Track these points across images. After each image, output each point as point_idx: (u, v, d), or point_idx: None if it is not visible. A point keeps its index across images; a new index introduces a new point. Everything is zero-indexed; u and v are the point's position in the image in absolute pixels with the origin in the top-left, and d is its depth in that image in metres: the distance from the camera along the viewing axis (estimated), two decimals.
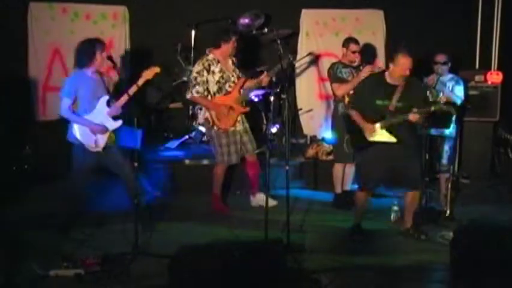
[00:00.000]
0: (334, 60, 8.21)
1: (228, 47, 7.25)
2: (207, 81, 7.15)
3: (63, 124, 8.82)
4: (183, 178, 8.31)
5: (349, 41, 7.71)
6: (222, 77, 7.18)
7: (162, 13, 9.53)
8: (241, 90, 7.35)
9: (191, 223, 7.00)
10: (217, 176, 7.46)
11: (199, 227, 6.81)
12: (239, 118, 7.33)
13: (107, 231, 6.59)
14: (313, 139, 9.50)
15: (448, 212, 7.21)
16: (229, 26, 9.36)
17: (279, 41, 8.84)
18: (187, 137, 9.21)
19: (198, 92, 7.16)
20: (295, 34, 9.95)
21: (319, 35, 10.08)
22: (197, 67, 7.21)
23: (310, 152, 8.95)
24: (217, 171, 7.46)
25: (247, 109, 7.42)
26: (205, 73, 7.11)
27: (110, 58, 6.26)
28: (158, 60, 9.24)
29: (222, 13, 9.43)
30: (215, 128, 7.27)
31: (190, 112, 9.31)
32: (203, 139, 9.12)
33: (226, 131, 7.26)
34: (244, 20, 9.54)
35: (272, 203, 6.64)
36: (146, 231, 6.38)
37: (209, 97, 7.21)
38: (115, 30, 9.41)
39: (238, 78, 7.36)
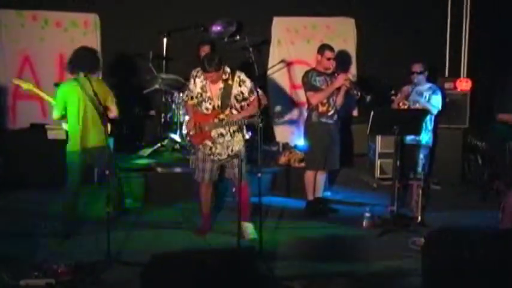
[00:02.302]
0: (306, 67, 8.20)
1: (210, 76, 6.42)
2: (192, 90, 6.65)
3: (34, 133, 8.83)
4: (155, 186, 8.26)
5: (324, 47, 7.63)
6: (200, 94, 6.57)
7: (133, 21, 9.46)
8: (215, 120, 6.58)
9: (164, 231, 6.94)
10: (201, 195, 6.91)
11: (172, 235, 6.77)
12: (207, 143, 6.64)
13: (78, 240, 6.53)
14: (286, 146, 9.51)
15: (419, 218, 7.25)
16: (201, 33, 9.39)
17: (250, 49, 8.89)
18: (159, 145, 9.15)
19: (186, 96, 6.77)
20: (267, 42, 9.99)
21: (290, 42, 10.12)
22: (191, 73, 6.73)
23: (283, 159, 8.94)
24: (199, 190, 6.91)
25: (212, 139, 6.60)
26: (192, 80, 6.60)
27: None
28: (130, 68, 9.29)
29: (194, 21, 9.42)
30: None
31: (163, 120, 9.29)
32: (175, 147, 9.12)
33: (198, 148, 6.78)
34: (216, 28, 9.53)
35: (251, 236, 6.56)
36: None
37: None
38: (86, 37, 9.30)
39: (219, 108, 6.56)
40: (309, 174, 7.74)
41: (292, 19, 10.15)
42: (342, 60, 9.72)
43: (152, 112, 9.68)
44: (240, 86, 6.53)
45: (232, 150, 6.63)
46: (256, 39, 9.33)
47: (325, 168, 7.74)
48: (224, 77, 6.48)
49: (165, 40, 9.38)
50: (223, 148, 6.64)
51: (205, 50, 9.25)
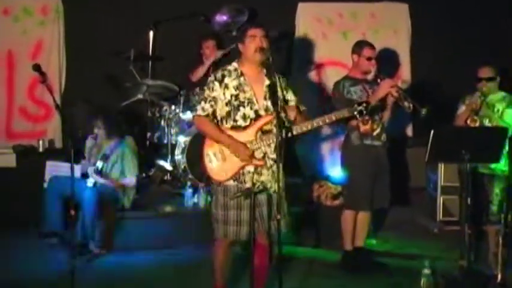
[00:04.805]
0: (342, 71, 8.16)
1: (247, 50, 6.09)
2: (217, 99, 6.08)
3: None
4: (137, 230, 8.18)
5: (361, 44, 7.55)
6: (236, 96, 6.02)
7: (109, 7, 9.48)
8: (259, 134, 6.03)
9: None
10: (217, 260, 6.30)
11: None
12: (248, 170, 6.05)
13: None
14: (315, 178, 9.41)
15: (499, 276, 7.12)
16: (202, 24, 9.38)
17: None
18: (143, 175, 9.09)
19: (204, 110, 6.07)
20: (289, 35, 9.98)
21: (321, 36, 10.11)
22: (209, 79, 6.23)
23: (311, 195, 8.87)
24: (215, 250, 6.30)
25: (262, 163, 6.00)
26: (216, 86, 6.06)
27: (37, 68, 6.15)
28: (103, 71, 9.24)
29: (191, 8, 9.42)
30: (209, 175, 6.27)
31: (148, 142, 9.28)
32: (165, 178, 9.09)
33: (225, 185, 6.10)
34: (222, 17, 9.49)
35: None
36: None
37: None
38: (44, 29, 9.37)
39: (267, 112, 6.06)
40: (347, 216, 7.63)
41: (324, 5, 10.18)
42: (391, 60, 9.65)
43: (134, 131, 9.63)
44: (285, 90, 6.24)
45: (278, 185, 5.83)
46: (274, 32, 9.27)
47: (369, 207, 7.64)
48: (266, 71, 6.09)
49: (151, 34, 9.39)
50: (270, 177, 6.12)
51: (209, 46, 9.25)
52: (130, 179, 8.28)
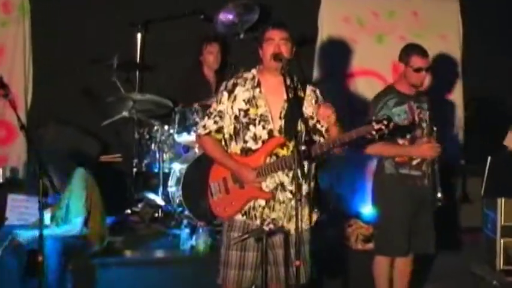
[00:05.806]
0: (378, 83, 8.10)
1: (264, 56, 6.00)
2: (224, 113, 6.11)
3: None
4: (122, 279, 8.03)
5: (408, 51, 7.28)
6: (245, 112, 6.01)
7: (87, 4, 9.49)
8: (270, 159, 5.99)
9: None
10: None
11: None
12: (260, 204, 6.00)
13: None
14: (341, 214, 9.32)
15: None
16: (202, 24, 9.34)
17: None
18: (129, 211, 9.11)
19: (204, 128, 6.12)
20: (310, 39, 9.96)
21: (351, 40, 10.05)
22: (220, 88, 6.26)
23: (336, 236, 8.78)
24: None
25: (269, 196, 5.93)
26: (224, 98, 6.07)
27: None
28: (80, 83, 9.19)
29: (189, 5, 9.47)
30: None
31: (135, 169, 9.24)
32: (156, 215, 9.04)
33: (231, 220, 6.14)
34: (227, 16, 9.47)
35: None
36: None
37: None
38: (7, 30, 9.42)
39: (281, 132, 5.99)
40: (380, 263, 7.48)
41: (354, 1, 10.19)
42: (437, 71, 9.55)
43: (117, 157, 9.57)
44: (317, 103, 6.12)
45: (297, 224, 5.62)
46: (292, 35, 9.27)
47: (407, 252, 7.51)
48: (289, 83, 5.89)
49: (139, 36, 9.43)
50: (283, 211, 6.03)
51: (212, 51, 9.30)
52: (73, 225, 7.66)
